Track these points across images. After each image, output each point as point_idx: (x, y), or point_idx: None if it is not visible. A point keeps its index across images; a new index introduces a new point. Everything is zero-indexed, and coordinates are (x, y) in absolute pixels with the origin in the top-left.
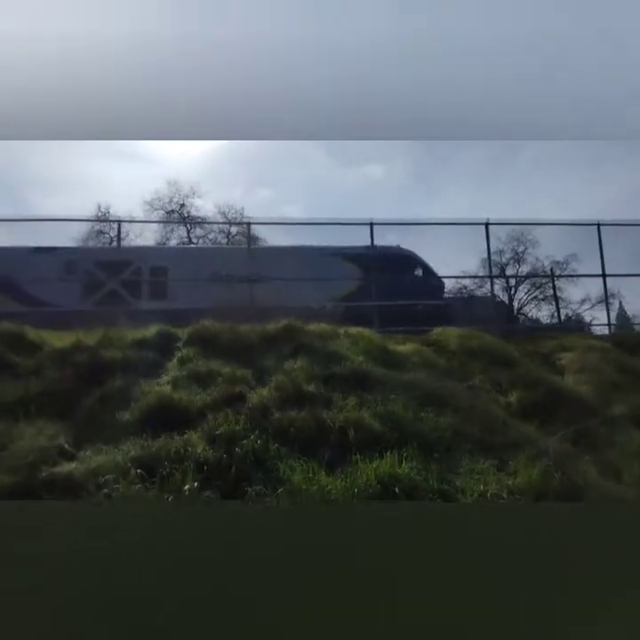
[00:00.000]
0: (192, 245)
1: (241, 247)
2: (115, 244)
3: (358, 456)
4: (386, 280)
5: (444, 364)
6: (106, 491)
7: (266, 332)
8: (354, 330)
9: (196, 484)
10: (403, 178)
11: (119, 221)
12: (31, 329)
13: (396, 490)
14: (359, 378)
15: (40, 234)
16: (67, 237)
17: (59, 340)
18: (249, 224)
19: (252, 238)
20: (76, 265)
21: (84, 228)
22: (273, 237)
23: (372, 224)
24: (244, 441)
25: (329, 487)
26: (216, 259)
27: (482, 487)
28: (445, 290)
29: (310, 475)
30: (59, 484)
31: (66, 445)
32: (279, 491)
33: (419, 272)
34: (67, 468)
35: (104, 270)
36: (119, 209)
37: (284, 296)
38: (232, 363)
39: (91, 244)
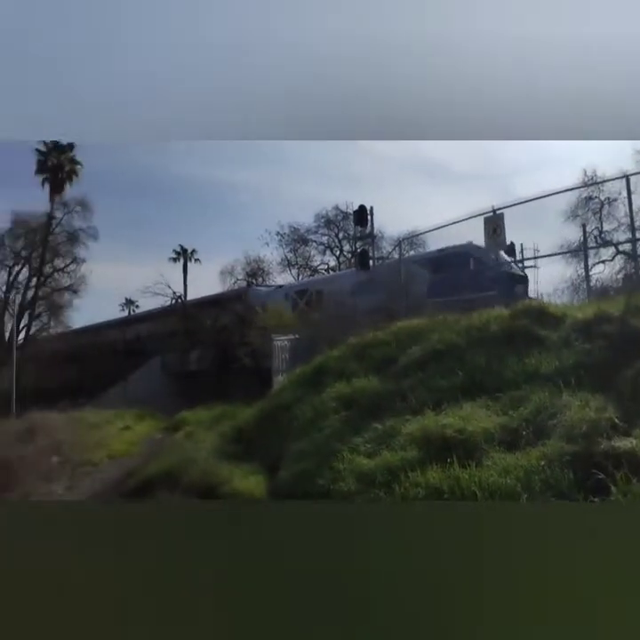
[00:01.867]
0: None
1: None
2: (607, 207)
3: None
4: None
5: None
6: None
7: None
8: None
9: None
10: None
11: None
12: (551, 303)
13: None
14: None
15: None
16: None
17: (578, 311)
18: None
19: None
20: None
21: (572, 199)
22: None
23: None
24: None
25: None
26: None
27: None
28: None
29: None
30: (624, 459)
31: (616, 419)
32: None
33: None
34: (626, 443)
35: None
36: (606, 170)
37: None
38: None
39: (580, 212)
